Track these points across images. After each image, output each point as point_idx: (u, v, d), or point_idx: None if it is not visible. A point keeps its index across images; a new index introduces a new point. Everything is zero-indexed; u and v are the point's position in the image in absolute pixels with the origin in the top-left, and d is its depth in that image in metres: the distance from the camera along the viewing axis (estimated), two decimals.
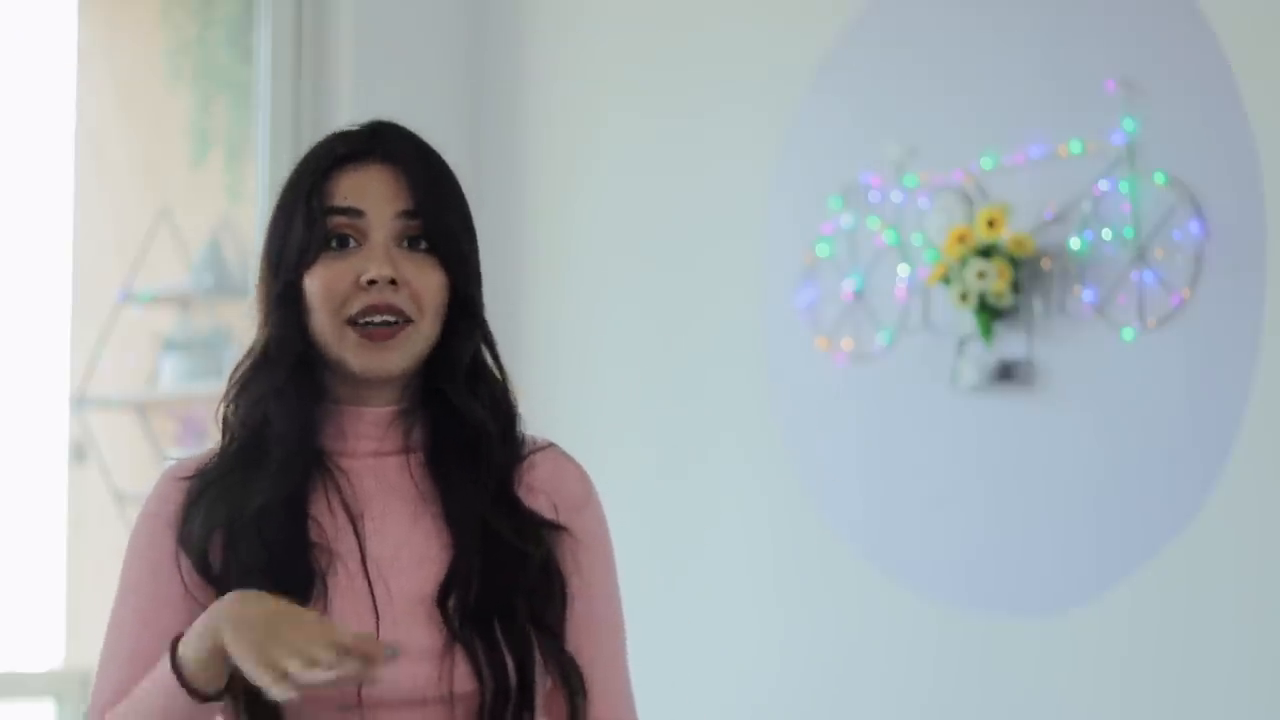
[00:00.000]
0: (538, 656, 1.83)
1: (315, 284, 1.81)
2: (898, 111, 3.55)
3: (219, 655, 1.68)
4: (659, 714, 3.80)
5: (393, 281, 1.80)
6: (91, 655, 1.92)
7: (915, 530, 3.49)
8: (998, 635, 3.36)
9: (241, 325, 5.09)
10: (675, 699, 3.81)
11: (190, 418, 5.22)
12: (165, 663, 1.71)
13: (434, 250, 1.84)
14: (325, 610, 1.77)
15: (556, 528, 1.87)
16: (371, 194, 1.83)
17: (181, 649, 1.71)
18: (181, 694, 1.69)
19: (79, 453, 5.44)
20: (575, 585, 1.88)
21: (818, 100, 3.69)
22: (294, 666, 1.60)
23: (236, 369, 1.87)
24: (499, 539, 1.83)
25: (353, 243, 1.82)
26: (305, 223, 1.82)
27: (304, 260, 1.82)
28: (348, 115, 4.18)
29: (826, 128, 3.68)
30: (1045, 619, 3.29)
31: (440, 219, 1.84)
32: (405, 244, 1.83)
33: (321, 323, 1.82)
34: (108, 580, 1.92)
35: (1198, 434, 3.11)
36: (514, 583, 1.82)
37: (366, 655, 1.62)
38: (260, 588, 1.73)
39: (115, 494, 5.29)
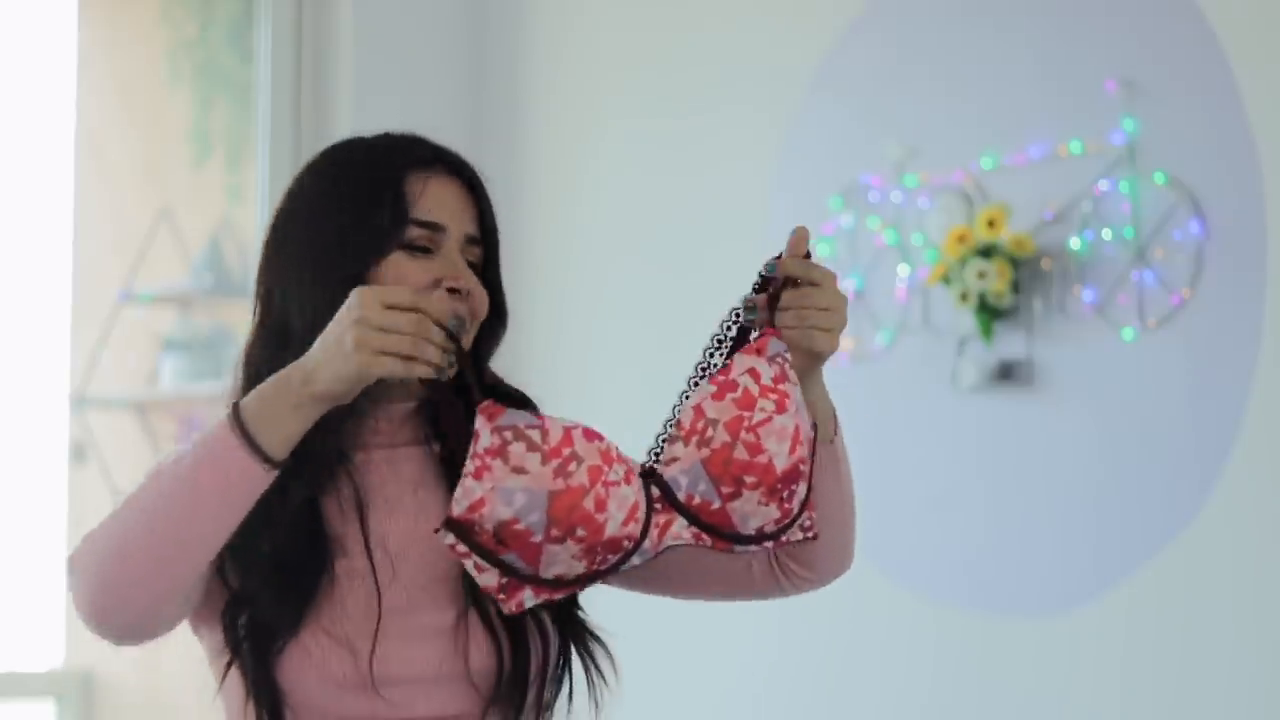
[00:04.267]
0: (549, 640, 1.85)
1: (390, 279, 1.82)
2: (898, 111, 3.55)
3: (293, 395, 1.66)
4: (657, 716, 3.81)
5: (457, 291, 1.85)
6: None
7: (915, 530, 3.49)
8: (997, 635, 3.36)
9: (242, 325, 5.10)
10: (673, 700, 3.81)
11: (190, 418, 5.22)
12: (216, 423, 1.68)
13: (483, 269, 1.89)
14: (333, 596, 1.78)
15: None
16: (452, 211, 1.88)
17: (243, 402, 1.69)
18: (240, 453, 1.66)
19: (79, 453, 5.44)
20: None
21: (818, 100, 3.69)
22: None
23: (250, 350, 1.85)
24: None
25: (430, 250, 1.86)
26: (390, 220, 1.84)
27: (378, 253, 1.83)
28: (348, 116, 4.18)
29: (826, 128, 3.68)
30: (1045, 619, 3.29)
31: (496, 243, 1.92)
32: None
33: None
34: None
35: (1198, 434, 3.11)
36: None
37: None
38: (267, 574, 1.76)
39: (115, 494, 5.29)
